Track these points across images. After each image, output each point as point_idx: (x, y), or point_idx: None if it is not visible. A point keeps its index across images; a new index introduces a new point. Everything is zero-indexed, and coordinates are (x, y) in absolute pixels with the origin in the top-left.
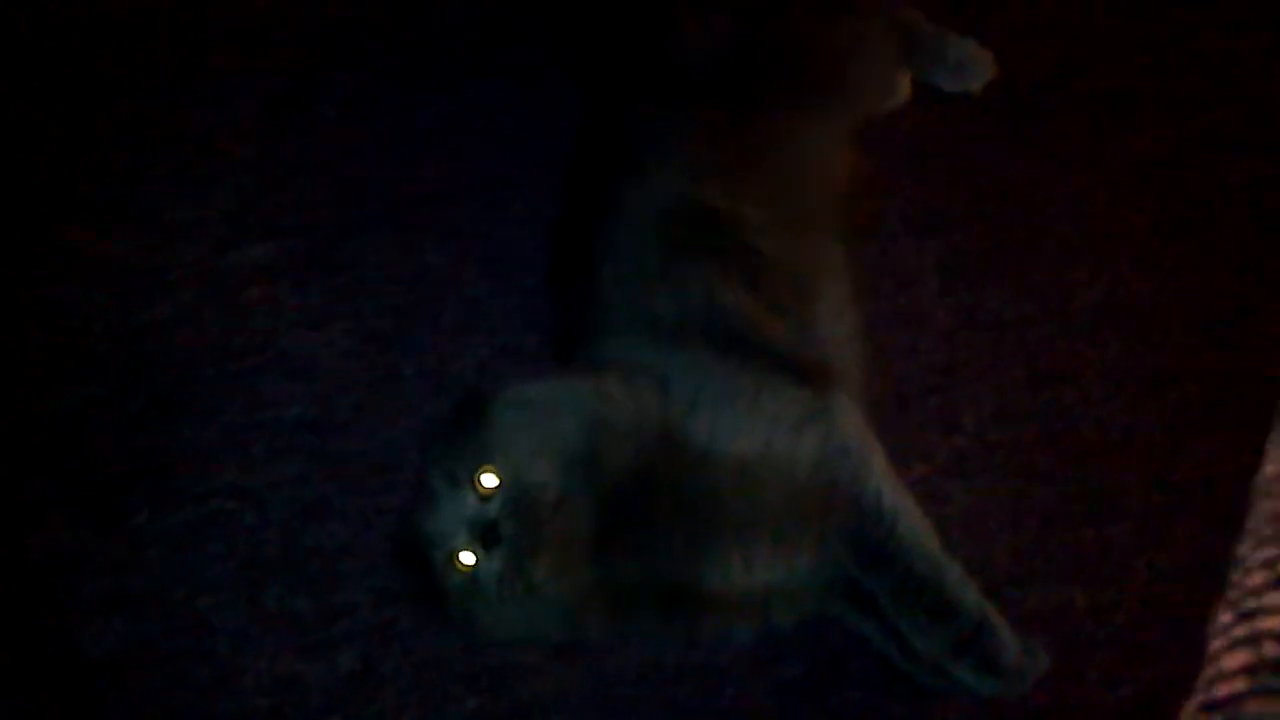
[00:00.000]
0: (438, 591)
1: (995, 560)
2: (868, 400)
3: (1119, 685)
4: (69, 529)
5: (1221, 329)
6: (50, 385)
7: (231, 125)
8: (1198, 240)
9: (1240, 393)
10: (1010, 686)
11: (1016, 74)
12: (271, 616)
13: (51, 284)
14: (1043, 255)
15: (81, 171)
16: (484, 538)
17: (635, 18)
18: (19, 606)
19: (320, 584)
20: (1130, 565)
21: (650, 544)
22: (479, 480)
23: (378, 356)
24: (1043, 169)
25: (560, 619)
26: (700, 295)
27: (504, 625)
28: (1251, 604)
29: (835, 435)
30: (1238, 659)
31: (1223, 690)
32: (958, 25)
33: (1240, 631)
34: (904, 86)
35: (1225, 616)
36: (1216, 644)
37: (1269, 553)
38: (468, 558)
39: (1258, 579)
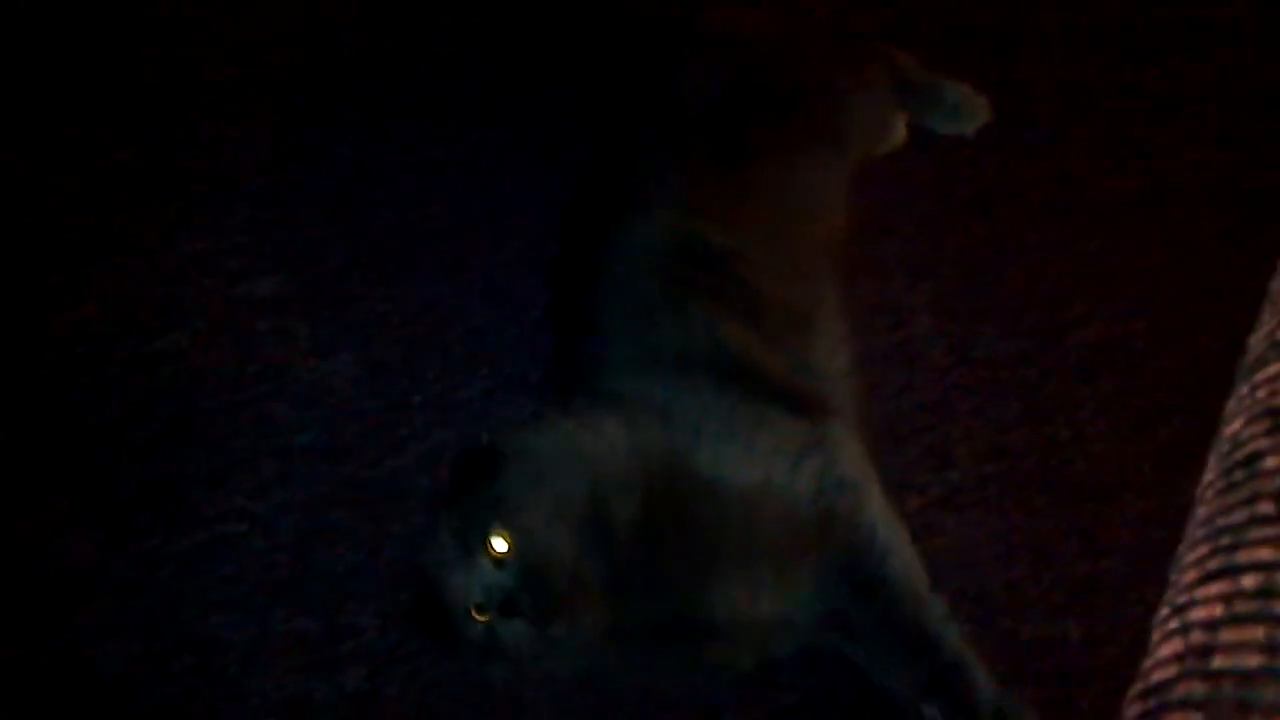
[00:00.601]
0: (453, 638)
1: (988, 592)
2: (864, 433)
3: (1111, 716)
4: (82, 548)
5: (1214, 368)
6: (67, 409)
7: (245, 160)
8: (1192, 281)
9: None
10: None
11: (1011, 117)
12: (280, 637)
13: (69, 311)
14: (1037, 294)
15: (98, 203)
16: (502, 607)
17: (640, 60)
18: (31, 624)
19: (328, 606)
20: (1123, 599)
21: (659, 581)
22: (490, 545)
23: (385, 386)
24: (1036, 210)
25: (573, 661)
26: (701, 329)
27: (519, 670)
28: (1184, 599)
29: (833, 467)
30: (1170, 647)
31: (1157, 676)
32: (953, 71)
33: (1174, 624)
34: (900, 130)
35: (1163, 612)
36: (1155, 636)
37: (1200, 552)
38: (484, 613)
39: (1190, 575)
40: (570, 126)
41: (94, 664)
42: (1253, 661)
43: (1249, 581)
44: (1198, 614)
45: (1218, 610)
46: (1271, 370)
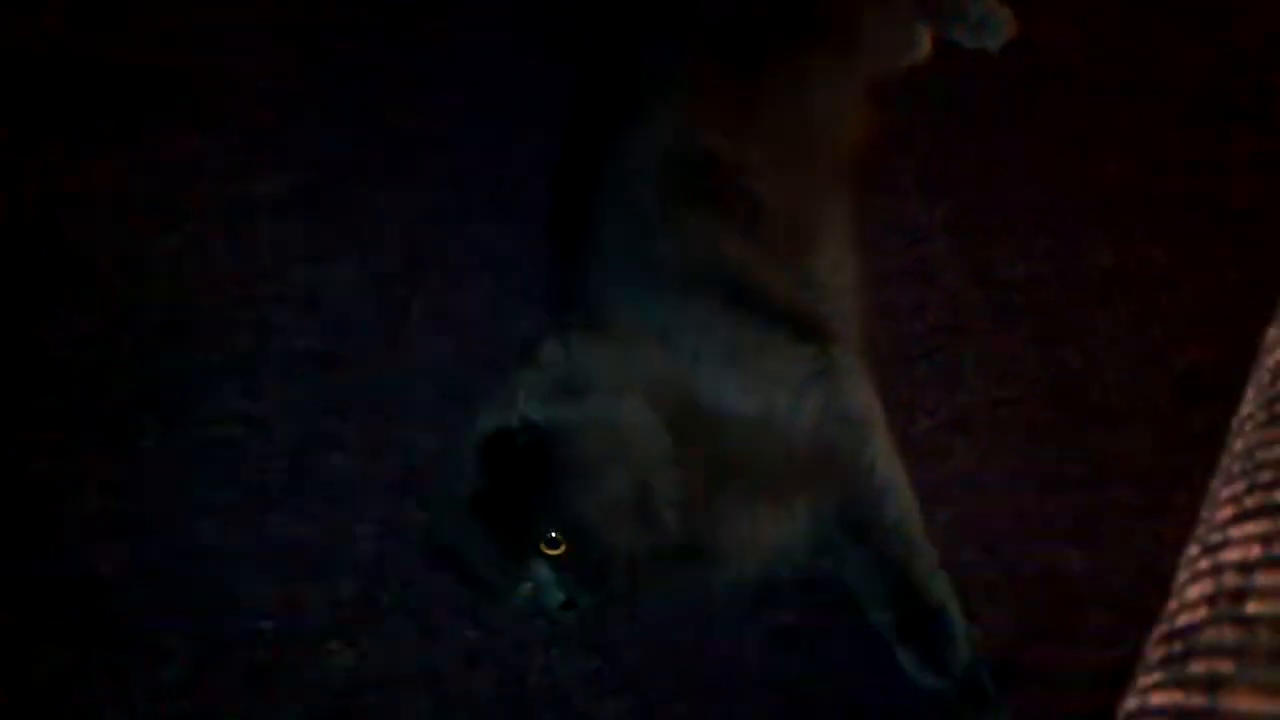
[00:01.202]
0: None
1: (993, 518)
2: (867, 351)
3: (1113, 646)
4: (75, 450)
5: (1233, 297)
6: (59, 310)
7: (244, 59)
8: (1211, 209)
9: (1246, 362)
10: (948, 687)
11: (1036, 34)
12: (274, 542)
13: (60, 210)
14: (1055, 218)
15: (92, 101)
16: (562, 606)
17: None
18: (25, 524)
19: (323, 513)
20: (1130, 530)
21: (680, 515)
22: (544, 546)
23: (385, 293)
24: (1058, 131)
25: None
26: (701, 244)
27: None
28: (1217, 538)
29: (837, 400)
30: (1199, 589)
31: (1183, 619)
32: None
33: (1204, 564)
34: (924, 43)
35: (1193, 550)
36: (1183, 576)
37: (1236, 488)
38: (527, 589)
39: (1225, 513)
40: (579, 29)
41: (85, 566)
42: None
43: None
44: (1232, 554)
45: (1254, 551)
46: None
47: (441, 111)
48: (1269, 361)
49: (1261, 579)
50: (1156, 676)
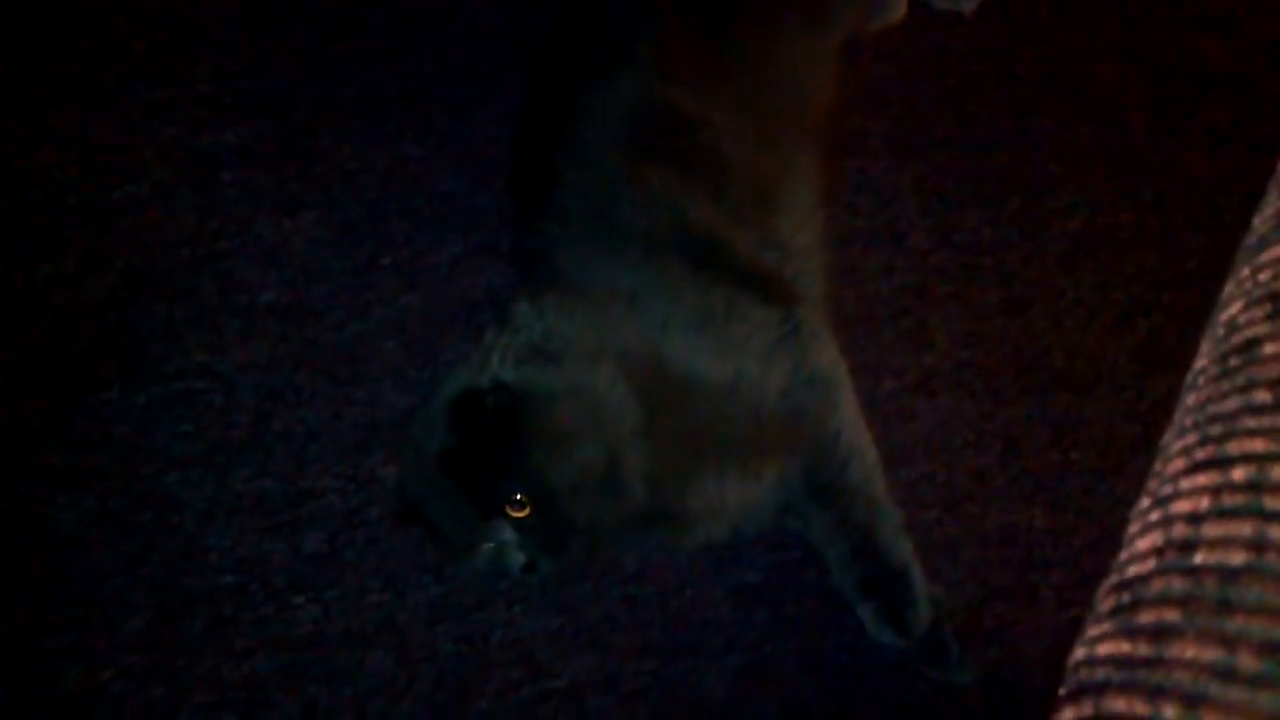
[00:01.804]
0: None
1: (957, 478)
2: (833, 313)
3: (1071, 606)
4: (36, 401)
5: (1198, 265)
6: (19, 259)
7: (209, 6)
8: (1181, 175)
9: None
10: (907, 644)
11: None
12: (239, 496)
13: (21, 157)
14: (1023, 182)
15: (56, 47)
16: (524, 569)
17: None
18: None
19: (288, 468)
20: (1091, 491)
21: (649, 483)
22: (509, 507)
23: (351, 247)
24: (1029, 96)
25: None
26: (665, 206)
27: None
28: (1168, 490)
29: (803, 365)
30: (1149, 541)
31: (1132, 570)
32: None
33: (1155, 516)
34: (898, 5)
35: (1144, 502)
36: (1134, 528)
37: (1187, 441)
38: (489, 549)
39: (1176, 465)
40: None
41: (48, 519)
42: (1238, 558)
43: (1239, 474)
44: (1181, 506)
45: (1204, 503)
46: (1275, 253)
47: (411, 65)
48: (1223, 317)
49: (1210, 530)
50: (1105, 627)
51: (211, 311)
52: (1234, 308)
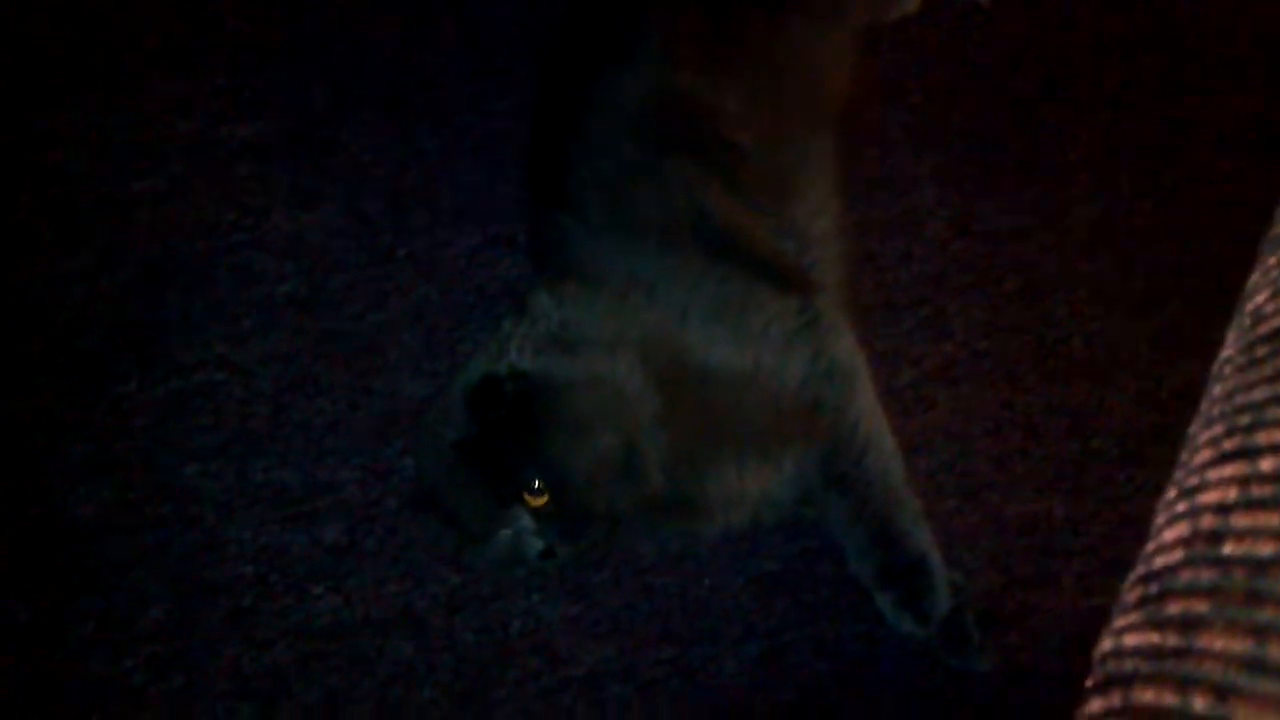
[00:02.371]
0: (463, 537)
1: (976, 467)
2: (851, 301)
3: (1092, 595)
4: (55, 394)
5: (1219, 251)
6: (38, 252)
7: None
8: (1198, 163)
9: (1229, 315)
10: (926, 633)
11: None
12: (258, 488)
13: (39, 151)
14: (1042, 170)
15: (73, 41)
16: (540, 555)
17: None
18: (6, 469)
19: (307, 459)
20: (1111, 479)
21: (665, 469)
22: (526, 494)
23: (369, 238)
24: (1047, 84)
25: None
26: (682, 195)
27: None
28: (1194, 480)
29: (822, 354)
30: (1176, 531)
31: (1160, 561)
32: None
33: (1182, 507)
34: None
35: (1171, 493)
36: (1160, 519)
37: (1215, 431)
38: (507, 536)
39: (1203, 456)
40: None
41: (67, 511)
42: (1266, 549)
43: (1267, 464)
44: (1209, 497)
45: (1231, 493)
46: None
47: (427, 56)
48: (1249, 306)
49: (1238, 521)
50: (1132, 618)
51: (229, 304)
52: (1260, 297)
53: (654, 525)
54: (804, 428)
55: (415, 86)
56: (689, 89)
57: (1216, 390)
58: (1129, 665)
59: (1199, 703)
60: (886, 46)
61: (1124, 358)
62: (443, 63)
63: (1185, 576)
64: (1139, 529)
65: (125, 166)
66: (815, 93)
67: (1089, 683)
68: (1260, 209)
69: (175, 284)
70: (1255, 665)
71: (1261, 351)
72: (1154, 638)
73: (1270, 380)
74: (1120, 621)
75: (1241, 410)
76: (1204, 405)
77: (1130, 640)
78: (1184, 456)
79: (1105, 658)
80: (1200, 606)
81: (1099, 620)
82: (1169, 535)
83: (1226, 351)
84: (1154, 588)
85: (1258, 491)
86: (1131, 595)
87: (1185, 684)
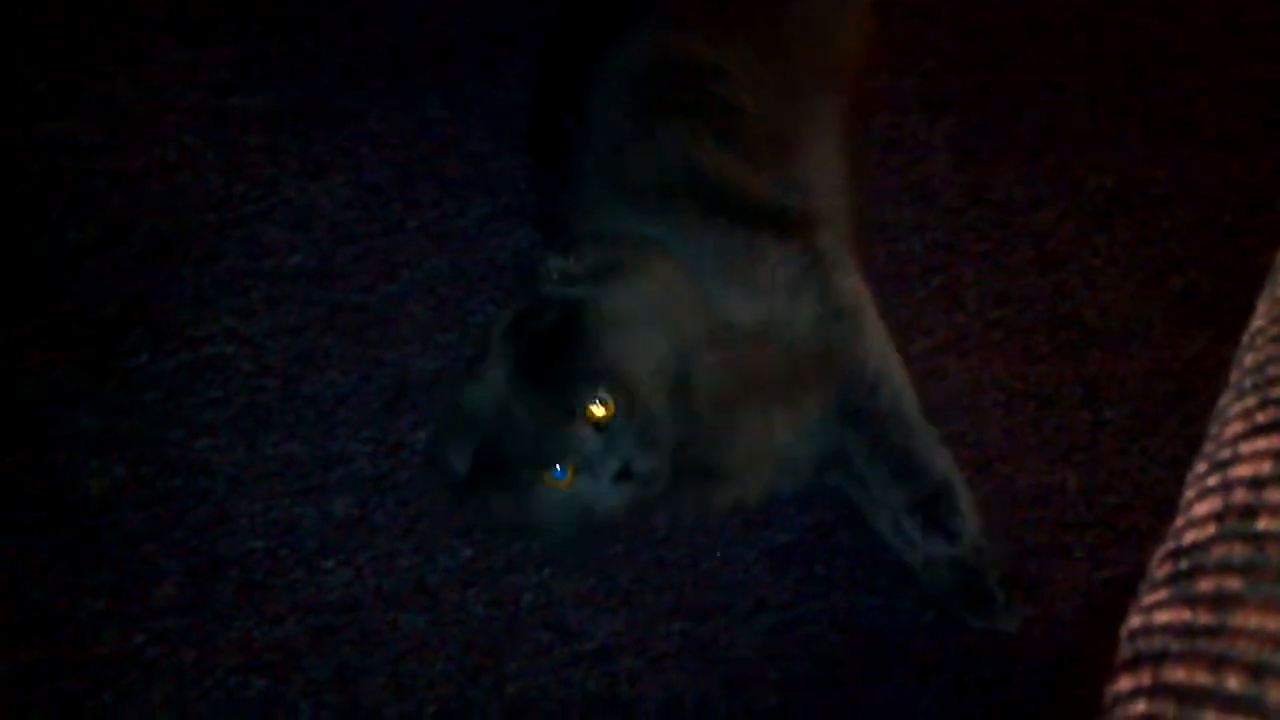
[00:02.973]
0: (503, 489)
1: (989, 437)
2: (861, 266)
3: (1105, 566)
4: (65, 368)
5: (1230, 220)
6: (47, 224)
7: None
8: (1212, 132)
9: (1245, 285)
10: (957, 550)
11: None
12: (268, 461)
13: (50, 122)
14: (1057, 138)
15: (82, 9)
16: (619, 475)
17: None
18: (16, 443)
19: (317, 432)
20: (1125, 450)
21: (712, 407)
22: (591, 408)
23: (379, 209)
24: (1062, 52)
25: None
26: (675, 154)
27: (562, 530)
28: (1226, 453)
29: (827, 295)
30: (1207, 506)
31: (1190, 536)
32: None
33: (1213, 480)
34: None
35: (1201, 467)
36: (1190, 493)
37: (1247, 403)
38: (562, 474)
39: (1235, 429)
40: None
41: (78, 486)
42: None
43: None
44: (1242, 470)
45: (1265, 467)
46: None
47: (436, 25)
48: None
49: (1272, 495)
50: (1162, 594)
51: (239, 276)
52: None
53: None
54: (820, 371)
55: (424, 56)
56: (687, 50)
57: (1248, 361)
58: (1159, 643)
59: (1232, 682)
60: (900, 13)
61: (1137, 328)
62: (451, 32)
63: (1217, 552)
64: (1152, 500)
65: (133, 138)
66: (823, 53)
67: (1117, 659)
68: (1277, 177)
69: (184, 257)
70: None
71: None
72: (1185, 615)
73: None
74: (1149, 598)
75: (1274, 382)
76: (1234, 376)
77: (1160, 617)
78: (1213, 429)
79: (1134, 634)
80: (1233, 583)
81: (1112, 591)
82: (1200, 510)
83: (1258, 322)
84: (1184, 564)
85: None
86: (1161, 571)
87: (1218, 662)
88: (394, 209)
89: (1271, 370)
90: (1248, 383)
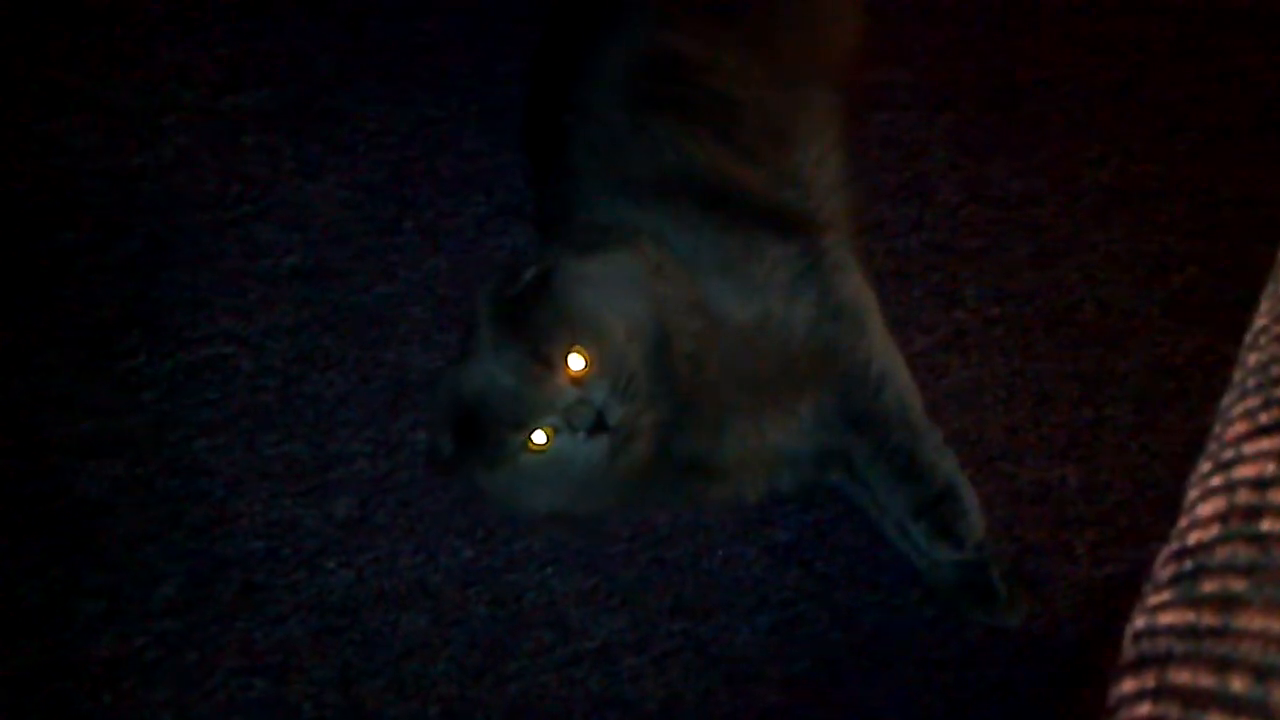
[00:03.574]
0: (488, 462)
1: (989, 435)
2: (858, 261)
3: (1106, 563)
4: (62, 369)
5: (1228, 214)
6: (43, 225)
7: None
8: (1208, 126)
9: (1243, 279)
10: (961, 553)
11: None
12: (268, 461)
13: (45, 122)
14: (1053, 133)
15: (76, 10)
16: (592, 427)
17: None
18: (14, 445)
19: (317, 432)
20: (1125, 446)
21: (690, 422)
22: (568, 362)
23: (375, 209)
24: (1057, 47)
25: (605, 495)
26: (671, 150)
27: (547, 501)
28: (1230, 454)
29: (828, 296)
30: (1211, 506)
31: (1194, 537)
32: None
33: (1217, 481)
34: None
35: (1204, 467)
36: (1193, 494)
37: (1250, 403)
38: (541, 437)
39: (1238, 429)
40: None
41: (78, 487)
42: None
43: None
44: (1245, 471)
45: (1269, 468)
46: None
47: (430, 23)
48: None
49: (1277, 496)
50: (1166, 595)
51: (236, 276)
52: None
53: (672, 489)
54: (817, 371)
55: (418, 55)
56: (677, 47)
57: (1251, 360)
58: (1163, 644)
59: (1237, 684)
60: (895, 8)
61: (1137, 323)
62: (445, 30)
63: (1221, 553)
64: (1152, 497)
65: (128, 138)
66: (816, 46)
67: (1121, 661)
68: (1276, 172)
69: (181, 257)
70: None
71: None
72: (1189, 616)
73: None
74: (1154, 599)
75: (1277, 381)
76: (1237, 376)
77: (1164, 619)
78: (1217, 429)
79: (1138, 636)
80: (1238, 585)
81: (1112, 588)
82: (1203, 510)
83: (1261, 321)
84: (1188, 564)
85: None
86: (1165, 572)
87: (1223, 664)
88: (390, 208)
89: (1275, 370)
90: (1251, 382)
